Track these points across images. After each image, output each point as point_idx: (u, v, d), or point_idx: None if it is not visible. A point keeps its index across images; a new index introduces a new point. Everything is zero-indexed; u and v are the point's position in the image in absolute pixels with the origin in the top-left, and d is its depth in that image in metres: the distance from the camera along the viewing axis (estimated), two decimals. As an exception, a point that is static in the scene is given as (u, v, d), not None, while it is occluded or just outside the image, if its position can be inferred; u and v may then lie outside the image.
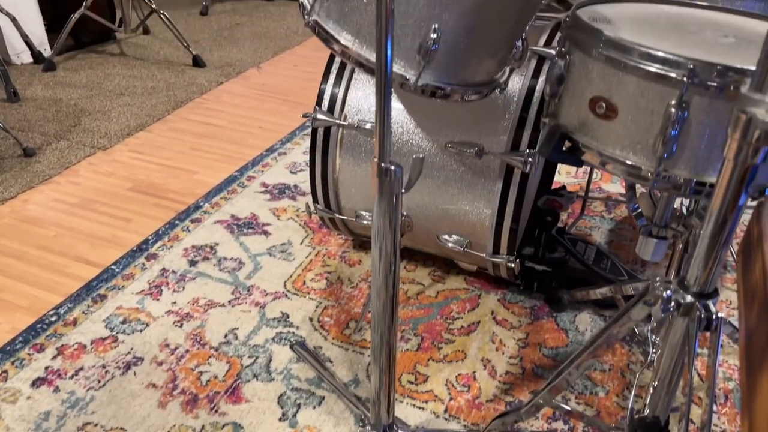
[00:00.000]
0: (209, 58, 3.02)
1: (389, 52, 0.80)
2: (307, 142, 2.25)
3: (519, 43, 1.10)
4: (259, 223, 1.82)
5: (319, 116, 1.41)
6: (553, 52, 1.29)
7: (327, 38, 1.04)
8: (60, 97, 2.58)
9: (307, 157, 2.17)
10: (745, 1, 1.26)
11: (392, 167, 0.90)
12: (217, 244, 1.72)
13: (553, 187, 1.77)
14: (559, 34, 1.33)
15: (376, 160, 0.89)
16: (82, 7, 2.80)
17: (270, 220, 1.83)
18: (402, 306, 1.50)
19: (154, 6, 2.85)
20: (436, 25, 0.98)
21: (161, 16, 2.85)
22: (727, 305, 1.52)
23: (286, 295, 1.53)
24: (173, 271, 1.61)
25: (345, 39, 1.03)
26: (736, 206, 0.66)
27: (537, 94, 1.29)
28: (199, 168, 2.11)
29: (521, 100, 1.30)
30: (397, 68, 1.02)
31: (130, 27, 3.01)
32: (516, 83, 1.30)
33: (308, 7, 1.05)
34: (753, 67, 0.79)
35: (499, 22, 1.02)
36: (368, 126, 1.39)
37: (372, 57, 1.01)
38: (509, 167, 1.30)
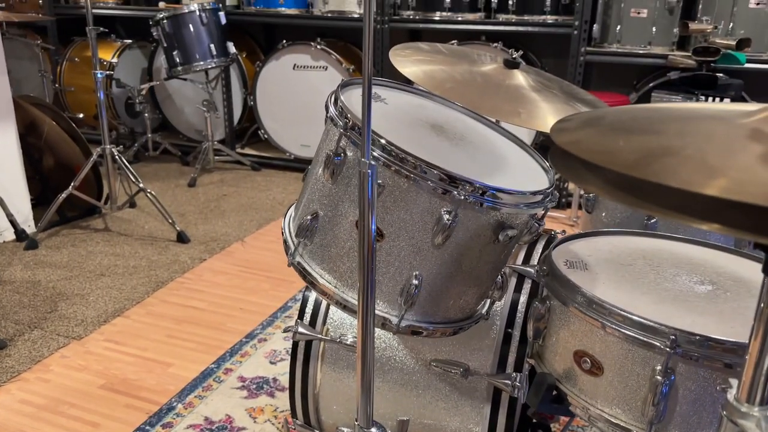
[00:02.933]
0: (194, 233, 3.06)
1: (371, 322, 0.80)
2: (288, 325, 2.22)
3: (499, 278, 1.12)
4: (233, 427, 1.72)
5: (301, 330, 1.39)
6: (533, 270, 1.30)
7: (309, 279, 1.05)
8: (39, 278, 2.56)
9: (288, 344, 2.12)
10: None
11: (374, 430, 0.86)
12: (189, 455, 1.62)
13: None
14: (537, 254, 1.36)
15: (357, 423, 0.86)
16: (70, 187, 2.87)
17: (245, 423, 1.74)
18: None
19: (141, 185, 2.93)
20: (417, 272, 0.99)
21: (148, 195, 2.92)
22: None
23: None
24: (139, 492, 1.49)
25: (327, 281, 1.03)
26: None
27: (520, 309, 1.29)
28: (175, 359, 2.04)
29: (505, 317, 1.29)
30: (379, 310, 1.01)
31: (116, 204, 3.06)
32: (498, 300, 1.31)
33: (292, 248, 1.06)
34: (732, 339, 0.79)
35: (477, 266, 1.04)
36: (350, 341, 1.36)
37: (353, 299, 1.01)
38: (497, 388, 1.26)
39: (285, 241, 1.10)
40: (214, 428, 1.72)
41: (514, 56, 1.33)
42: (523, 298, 1.30)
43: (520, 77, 1.45)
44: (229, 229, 3.16)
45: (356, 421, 0.84)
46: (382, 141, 0.92)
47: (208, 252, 2.87)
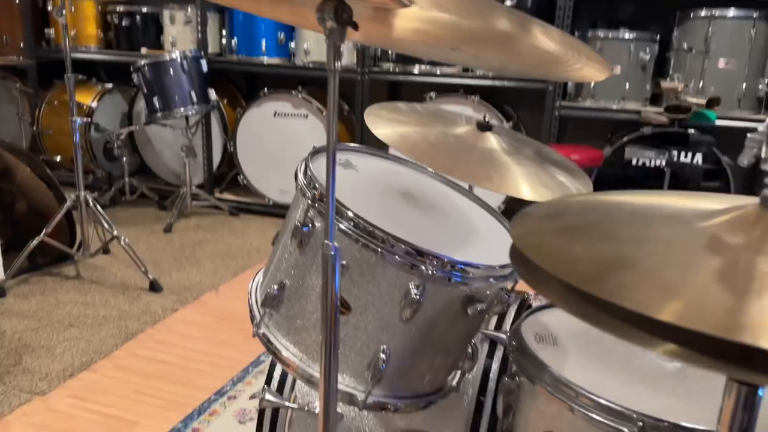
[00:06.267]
0: (167, 282, 3.00)
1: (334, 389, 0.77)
2: (259, 382, 2.16)
3: (469, 349, 1.10)
4: (199, 493, 1.66)
5: (268, 397, 1.34)
6: (504, 336, 1.28)
7: (273, 350, 1.02)
8: (4, 329, 2.48)
9: (257, 402, 2.06)
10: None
11: None
12: None
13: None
14: (510, 318, 1.35)
15: None
16: (42, 234, 2.81)
17: (212, 490, 1.67)
18: None
19: (115, 233, 2.89)
20: (385, 346, 0.97)
21: (122, 243, 2.87)
22: None
23: None
24: None
25: (292, 354, 1.01)
26: None
27: (492, 377, 1.27)
28: (140, 417, 1.97)
29: (477, 384, 1.27)
30: (345, 385, 0.99)
31: (89, 251, 3.00)
32: (470, 366, 1.29)
33: (258, 318, 1.04)
34: (701, 426, 0.78)
35: (446, 339, 1.02)
36: (317, 409, 1.32)
37: (318, 374, 0.99)
38: (467, 459, 1.23)
39: (251, 310, 1.08)
40: (178, 495, 1.65)
41: (486, 119, 1.35)
42: (495, 365, 1.28)
43: (492, 140, 1.46)
44: (203, 277, 3.11)
45: None
46: (350, 213, 0.91)
47: (181, 302, 2.81)
